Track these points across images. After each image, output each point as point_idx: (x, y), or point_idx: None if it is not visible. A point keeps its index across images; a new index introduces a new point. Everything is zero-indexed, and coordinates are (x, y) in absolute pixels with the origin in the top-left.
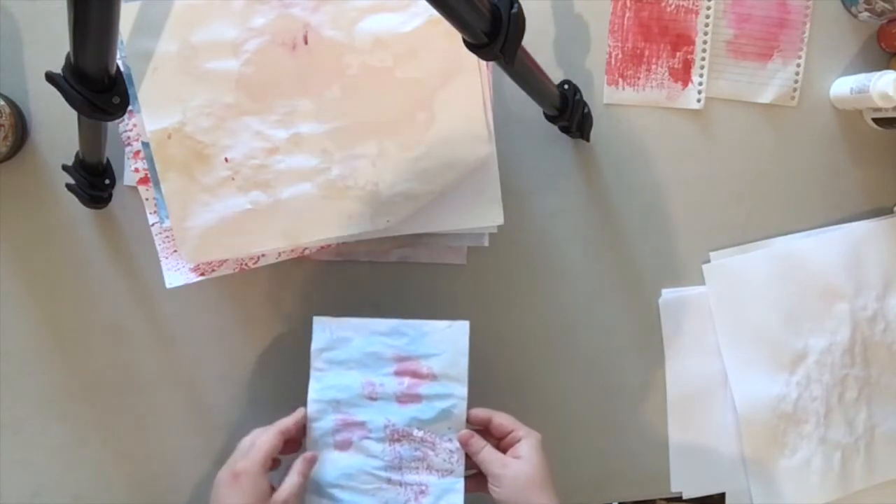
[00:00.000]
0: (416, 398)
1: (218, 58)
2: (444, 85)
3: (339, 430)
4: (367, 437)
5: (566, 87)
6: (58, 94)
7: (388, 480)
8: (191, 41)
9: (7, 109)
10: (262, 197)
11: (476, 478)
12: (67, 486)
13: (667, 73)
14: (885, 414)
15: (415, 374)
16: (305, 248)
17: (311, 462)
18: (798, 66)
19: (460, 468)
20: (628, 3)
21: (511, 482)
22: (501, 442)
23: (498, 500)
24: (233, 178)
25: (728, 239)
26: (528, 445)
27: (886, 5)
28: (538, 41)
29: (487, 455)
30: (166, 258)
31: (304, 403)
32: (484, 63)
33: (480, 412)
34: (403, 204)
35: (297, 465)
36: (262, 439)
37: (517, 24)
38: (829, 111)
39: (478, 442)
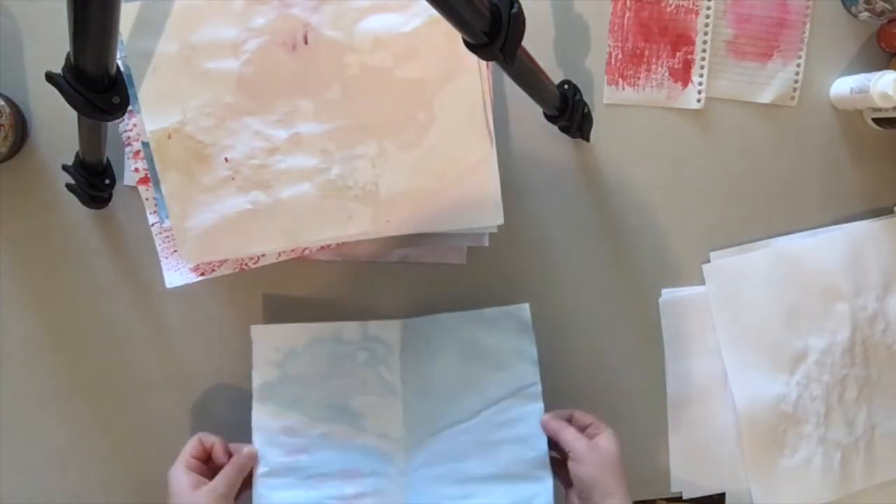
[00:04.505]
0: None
1: (218, 58)
2: (444, 85)
3: None
4: None
5: (566, 87)
6: (58, 94)
7: None
8: (191, 41)
9: (7, 109)
10: (262, 197)
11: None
12: (67, 486)
13: (667, 73)
14: (885, 414)
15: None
16: (305, 248)
17: (250, 457)
18: (798, 66)
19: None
20: (628, 3)
21: (597, 460)
22: (583, 433)
23: (578, 477)
24: (233, 178)
25: (728, 239)
26: (608, 439)
27: (886, 5)
28: (538, 41)
29: (571, 434)
30: (166, 258)
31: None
32: (484, 63)
33: (562, 412)
34: (403, 204)
35: (234, 458)
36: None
37: (517, 24)
38: (829, 111)
39: (560, 423)
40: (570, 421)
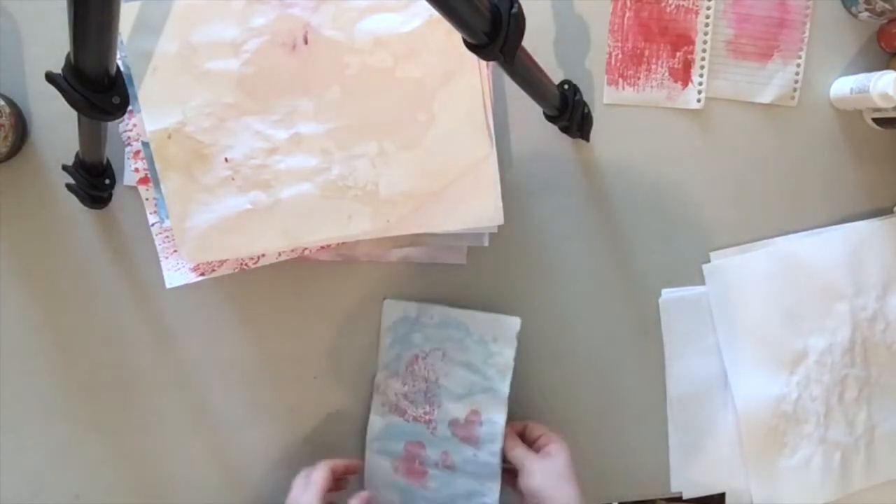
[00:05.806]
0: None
1: (218, 58)
2: (444, 85)
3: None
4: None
5: (566, 87)
6: (58, 94)
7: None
8: (191, 41)
9: (7, 109)
10: (262, 197)
11: (505, 474)
12: (67, 486)
13: (667, 73)
14: (885, 414)
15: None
16: (305, 248)
17: (367, 500)
18: (798, 66)
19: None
20: (628, 3)
21: (544, 471)
22: (533, 445)
23: (527, 490)
24: (233, 178)
25: (728, 239)
26: (557, 448)
27: (886, 5)
28: (538, 41)
29: (521, 451)
30: (166, 258)
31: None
32: (484, 63)
33: (517, 424)
34: (403, 204)
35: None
36: (315, 474)
37: (517, 24)
38: (829, 111)
39: (513, 440)
40: (524, 431)
